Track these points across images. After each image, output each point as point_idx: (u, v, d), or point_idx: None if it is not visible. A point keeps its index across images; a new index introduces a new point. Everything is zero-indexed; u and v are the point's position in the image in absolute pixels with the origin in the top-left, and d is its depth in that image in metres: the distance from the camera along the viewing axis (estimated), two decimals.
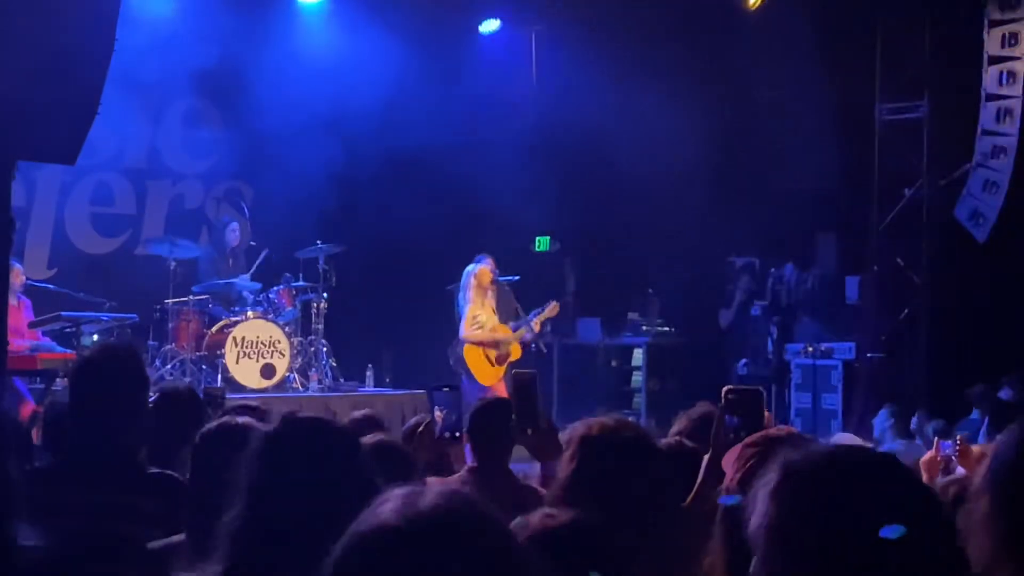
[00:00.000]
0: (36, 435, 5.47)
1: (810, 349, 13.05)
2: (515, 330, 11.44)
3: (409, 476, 3.55)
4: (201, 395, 5.22)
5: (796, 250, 14.20)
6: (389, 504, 1.62)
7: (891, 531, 1.83)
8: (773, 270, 14.09)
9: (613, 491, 2.99)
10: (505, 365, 11.30)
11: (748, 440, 2.81)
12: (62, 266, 12.76)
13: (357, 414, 5.43)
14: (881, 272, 12.52)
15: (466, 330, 11.10)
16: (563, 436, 3.90)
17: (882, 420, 10.33)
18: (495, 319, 11.33)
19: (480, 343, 11.10)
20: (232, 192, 14.04)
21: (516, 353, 11.39)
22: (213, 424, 3.48)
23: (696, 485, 3.26)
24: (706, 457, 3.32)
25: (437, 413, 4.80)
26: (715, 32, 13.29)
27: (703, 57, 13.20)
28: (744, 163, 13.80)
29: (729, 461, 2.81)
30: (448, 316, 11.68)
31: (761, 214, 13.50)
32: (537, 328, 11.54)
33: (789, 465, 1.87)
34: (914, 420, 10.35)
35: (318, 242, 12.40)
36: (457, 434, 4.66)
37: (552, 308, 11.54)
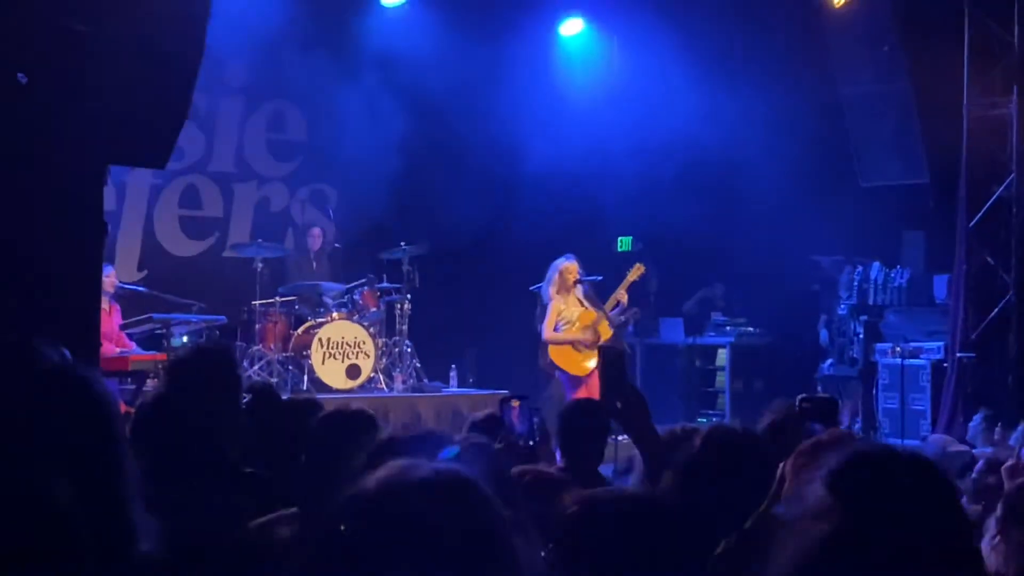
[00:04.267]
0: None
1: (898, 349, 12.88)
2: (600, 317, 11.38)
3: (503, 476, 3.58)
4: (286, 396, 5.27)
5: (883, 248, 14.03)
6: (384, 472, 1.67)
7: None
8: (860, 268, 13.93)
9: (724, 490, 3.00)
10: (597, 349, 11.20)
11: (801, 448, 2.82)
12: (152, 268, 12.97)
13: (479, 415, 5.49)
14: (970, 270, 12.31)
15: (547, 333, 11.10)
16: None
17: (976, 424, 10.22)
18: (580, 307, 11.23)
19: (561, 343, 11.09)
20: (316, 195, 14.18)
21: (607, 332, 11.24)
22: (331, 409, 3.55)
23: (771, 493, 3.27)
24: (782, 464, 3.34)
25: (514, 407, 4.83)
26: (800, 29, 13.17)
27: (788, 54, 13.10)
28: (830, 161, 13.65)
29: (787, 469, 2.83)
30: (531, 316, 11.71)
31: (847, 212, 13.35)
32: (623, 298, 11.40)
33: (832, 466, 1.92)
34: (997, 430, 10.20)
35: (402, 243, 12.49)
36: (532, 443, 4.69)
37: (636, 270, 11.45)
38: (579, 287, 11.34)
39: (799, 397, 3.36)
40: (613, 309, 11.30)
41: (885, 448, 1.98)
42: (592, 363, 11.07)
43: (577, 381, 10.89)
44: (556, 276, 11.18)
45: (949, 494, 1.91)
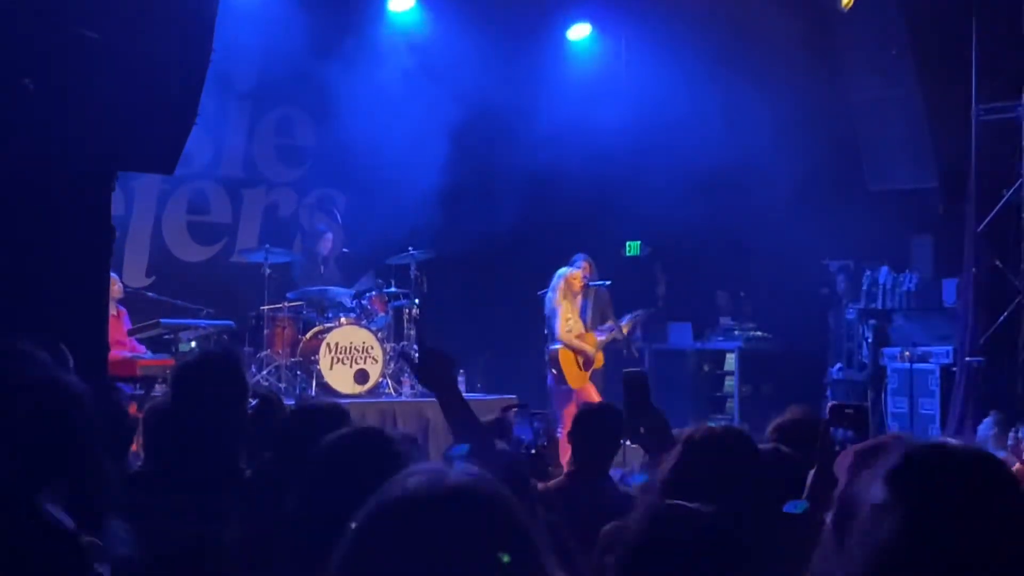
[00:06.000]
0: (137, 441, 5.56)
1: (907, 353, 12.86)
2: (602, 334, 11.46)
3: (523, 485, 3.57)
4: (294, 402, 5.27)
5: (892, 252, 14.01)
6: (414, 477, 1.67)
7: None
8: (868, 273, 13.91)
9: (713, 491, 2.98)
10: (591, 370, 11.30)
11: (860, 448, 2.79)
12: (160, 274, 12.98)
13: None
14: (979, 274, 12.29)
15: (562, 332, 11.14)
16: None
17: (986, 428, 10.19)
18: (580, 326, 11.36)
19: (576, 350, 11.16)
20: (325, 199, 14.19)
21: (599, 361, 11.41)
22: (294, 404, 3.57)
23: (810, 494, 3.25)
24: (811, 472, 3.32)
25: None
26: (808, 33, 13.15)
27: (796, 58, 13.07)
28: (838, 165, 13.64)
29: (843, 468, 2.80)
30: (539, 320, 11.72)
31: (856, 216, 13.34)
32: (625, 331, 11.53)
33: (904, 460, 1.87)
34: (1011, 435, 10.16)
35: (410, 248, 12.49)
36: (533, 451, 4.69)
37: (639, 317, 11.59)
38: (584, 293, 11.38)
39: (830, 404, 3.35)
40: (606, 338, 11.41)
41: (942, 445, 1.94)
42: (585, 382, 11.15)
43: (569, 394, 10.97)
44: (561, 283, 11.22)
45: (1015, 490, 1.87)
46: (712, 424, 3.25)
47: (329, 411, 3.68)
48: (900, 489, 1.83)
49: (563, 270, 11.33)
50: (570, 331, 11.18)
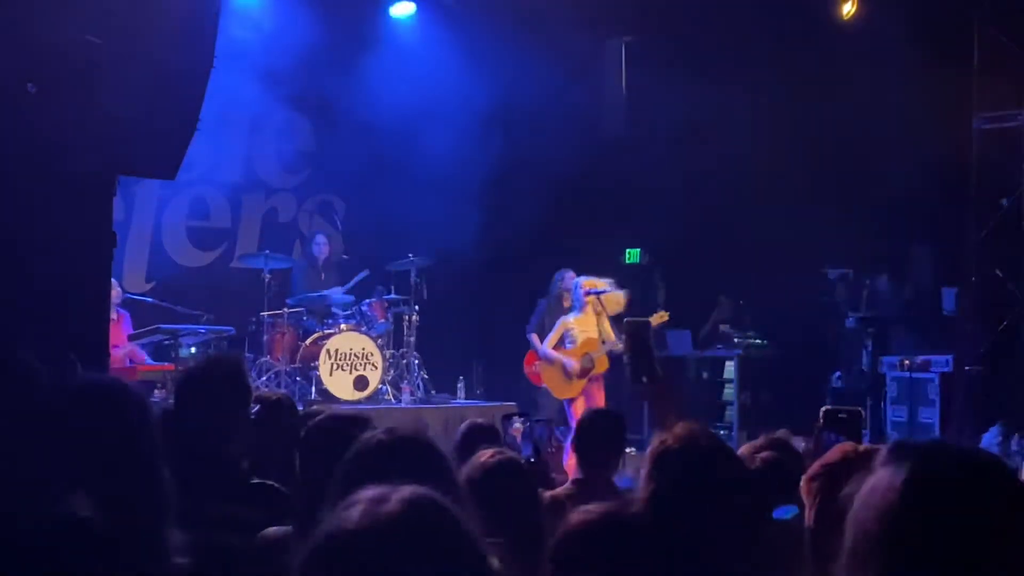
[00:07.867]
0: None
1: (906, 362, 12.84)
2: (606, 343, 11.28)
3: (531, 494, 3.56)
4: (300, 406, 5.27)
5: (891, 261, 14.01)
6: (356, 507, 1.63)
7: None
8: (868, 281, 13.90)
9: (695, 504, 2.96)
10: (586, 379, 10.93)
11: (809, 474, 2.79)
12: (160, 279, 12.98)
13: (464, 426, 5.41)
14: (979, 283, 12.29)
15: (544, 348, 10.99)
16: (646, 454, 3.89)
17: (991, 437, 10.16)
18: (588, 332, 11.06)
19: (551, 361, 10.94)
20: (324, 205, 14.19)
21: (602, 366, 11.08)
22: (321, 418, 3.54)
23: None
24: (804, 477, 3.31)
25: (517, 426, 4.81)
26: (809, 42, 13.16)
27: (796, 67, 13.09)
28: (838, 173, 13.64)
29: (806, 493, 2.79)
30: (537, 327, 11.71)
31: (856, 225, 13.33)
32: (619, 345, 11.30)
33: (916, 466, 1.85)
34: (1015, 439, 10.15)
35: (410, 255, 12.49)
36: (532, 460, 4.69)
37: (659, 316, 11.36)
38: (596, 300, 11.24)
39: (824, 409, 3.34)
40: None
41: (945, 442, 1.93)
42: (576, 392, 10.86)
43: (556, 403, 10.87)
44: (591, 297, 10.91)
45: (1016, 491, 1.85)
46: (680, 430, 3.20)
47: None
48: (905, 462, 1.82)
49: (579, 279, 11.10)
50: (573, 341, 11.00)
